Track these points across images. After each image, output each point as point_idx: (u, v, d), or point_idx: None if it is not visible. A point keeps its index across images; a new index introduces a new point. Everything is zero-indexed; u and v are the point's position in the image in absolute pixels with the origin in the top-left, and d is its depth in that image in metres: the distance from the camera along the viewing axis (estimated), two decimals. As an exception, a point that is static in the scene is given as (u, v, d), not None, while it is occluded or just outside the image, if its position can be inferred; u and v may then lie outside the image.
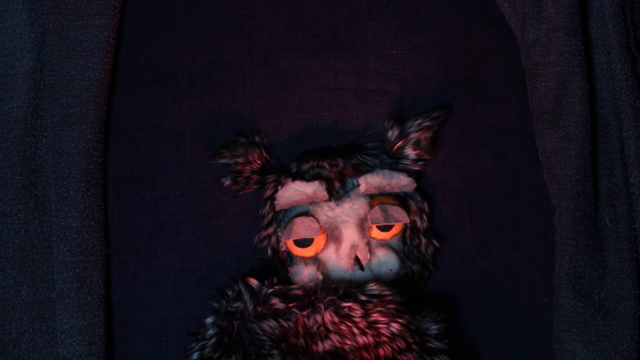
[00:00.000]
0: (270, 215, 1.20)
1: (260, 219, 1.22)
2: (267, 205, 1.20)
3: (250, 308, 1.12)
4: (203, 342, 1.14)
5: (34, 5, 1.25)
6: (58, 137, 1.21)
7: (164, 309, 1.24)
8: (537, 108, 1.23)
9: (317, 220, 1.17)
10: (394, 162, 1.21)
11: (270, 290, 1.13)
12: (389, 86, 1.27)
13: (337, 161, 1.19)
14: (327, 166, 1.19)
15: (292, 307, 1.11)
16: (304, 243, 1.17)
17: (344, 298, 1.12)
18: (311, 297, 1.12)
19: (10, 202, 1.21)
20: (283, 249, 1.20)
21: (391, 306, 1.12)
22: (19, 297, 1.19)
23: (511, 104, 1.27)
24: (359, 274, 1.17)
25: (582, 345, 1.16)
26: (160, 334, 1.24)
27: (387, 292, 1.13)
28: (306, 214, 1.18)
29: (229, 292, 1.15)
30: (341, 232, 1.17)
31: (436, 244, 1.23)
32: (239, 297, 1.14)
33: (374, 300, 1.12)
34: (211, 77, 1.27)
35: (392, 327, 1.11)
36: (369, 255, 1.17)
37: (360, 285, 1.14)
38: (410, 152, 1.21)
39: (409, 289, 1.20)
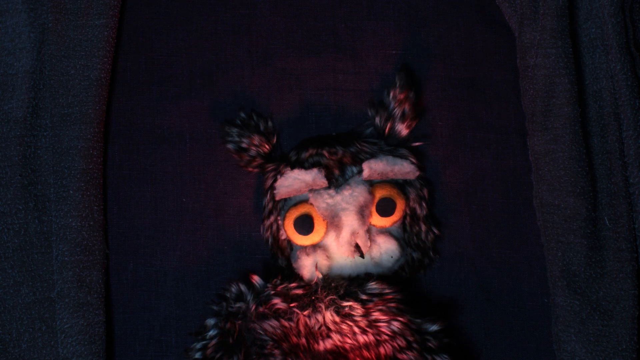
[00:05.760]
0: (270, 205, 1.20)
1: (262, 209, 1.22)
2: (268, 195, 1.21)
3: (252, 308, 1.12)
4: (205, 342, 1.13)
5: (34, 5, 1.24)
6: (58, 136, 1.21)
7: (164, 309, 1.24)
8: (528, 110, 1.23)
9: (317, 208, 1.17)
10: (394, 149, 1.21)
11: (272, 290, 1.13)
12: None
13: (336, 149, 1.19)
14: (326, 154, 1.19)
15: (294, 307, 1.11)
16: (304, 231, 1.17)
17: (344, 297, 1.12)
18: (312, 296, 1.12)
19: (10, 202, 1.20)
20: (283, 237, 1.20)
21: (392, 305, 1.13)
22: (19, 297, 1.19)
23: (511, 104, 1.27)
24: (359, 261, 1.18)
25: (580, 346, 1.16)
26: (160, 334, 1.24)
27: (387, 291, 1.13)
28: (306, 202, 1.18)
29: (229, 294, 1.15)
30: (341, 220, 1.17)
31: (436, 231, 1.23)
32: (239, 297, 1.14)
33: (374, 299, 1.12)
34: (211, 77, 1.27)
35: (393, 325, 1.11)
36: (369, 242, 1.17)
37: (361, 284, 1.14)
38: (401, 128, 1.21)
39: (410, 276, 1.21)
